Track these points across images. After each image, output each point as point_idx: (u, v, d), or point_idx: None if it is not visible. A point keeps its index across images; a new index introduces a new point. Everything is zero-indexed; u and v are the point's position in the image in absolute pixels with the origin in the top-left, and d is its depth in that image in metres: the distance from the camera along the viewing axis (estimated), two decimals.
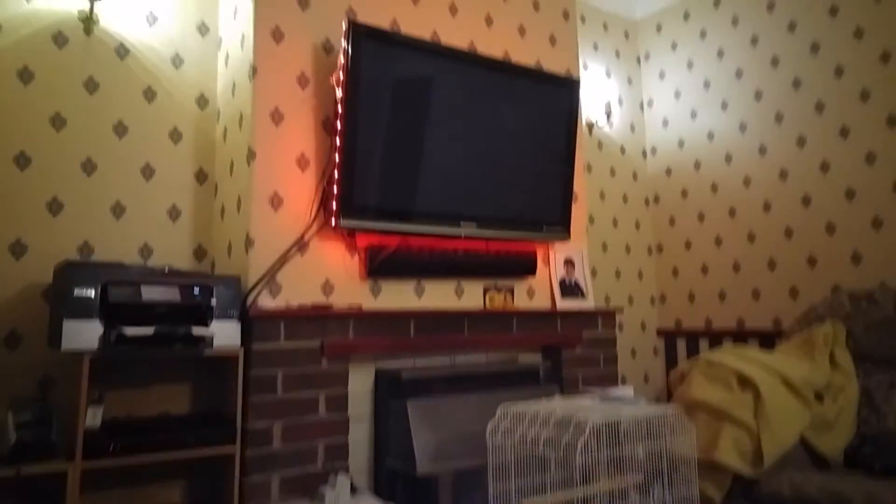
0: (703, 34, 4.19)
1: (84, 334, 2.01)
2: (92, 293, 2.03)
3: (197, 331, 2.16)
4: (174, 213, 2.74)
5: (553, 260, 3.33)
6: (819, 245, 3.57)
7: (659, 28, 4.48)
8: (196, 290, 2.23)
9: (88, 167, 2.56)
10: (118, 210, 2.60)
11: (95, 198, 2.56)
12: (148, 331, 2.06)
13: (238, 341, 2.30)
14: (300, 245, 2.56)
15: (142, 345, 2.07)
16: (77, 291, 2.01)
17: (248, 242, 2.45)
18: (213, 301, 2.25)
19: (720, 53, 4.08)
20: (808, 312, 3.16)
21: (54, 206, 2.47)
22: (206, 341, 2.19)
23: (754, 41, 3.90)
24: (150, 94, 2.72)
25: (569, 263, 3.40)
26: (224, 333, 2.26)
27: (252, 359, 2.29)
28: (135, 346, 2.06)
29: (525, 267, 3.16)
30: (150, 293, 2.09)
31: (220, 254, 2.72)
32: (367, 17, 2.78)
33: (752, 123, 3.91)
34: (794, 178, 3.70)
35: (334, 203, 2.52)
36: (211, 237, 2.81)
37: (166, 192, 2.72)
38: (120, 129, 2.64)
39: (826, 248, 3.54)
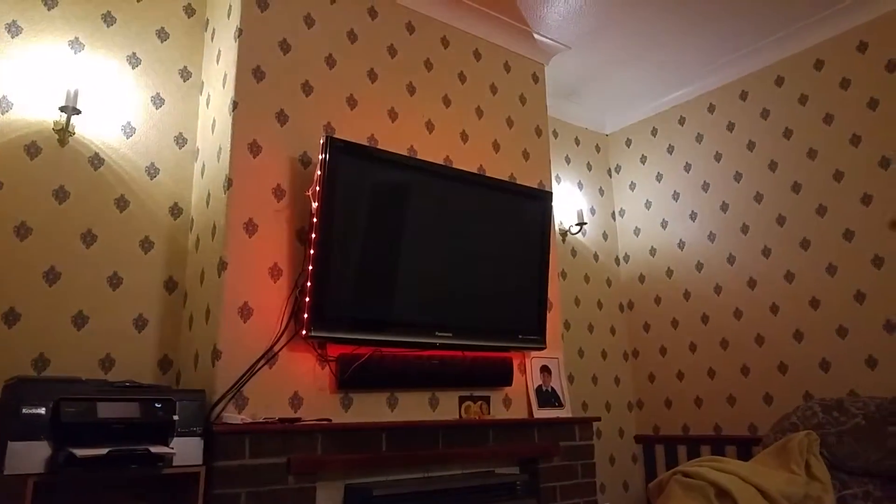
0: (670, 149, 4.39)
1: (30, 457, 1.88)
2: (42, 411, 1.93)
3: (156, 449, 2.05)
4: (140, 323, 2.67)
5: (529, 368, 3.29)
6: (789, 352, 3.60)
7: (629, 142, 4.69)
8: (157, 405, 2.13)
9: (51, 276, 2.50)
10: (80, 320, 2.53)
11: (56, 308, 2.49)
12: (101, 451, 1.93)
13: (200, 459, 2.17)
14: (269, 357, 2.49)
15: (94, 467, 1.94)
16: (26, 410, 1.90)
17: (216, 354, 2.38)
18: (176, 416, 2.14)
19: (687, 167, 4.26)
20: (782, 420, 3.13)
21: (10, 317, 2.39)
22: (166, 460, 2.07)
23: (718, 157, 4.09)
24: (122, 204, 2.72)
25: (545, 371, 3.35)
26: (185, 451, 2.14)
27: (215, 477, 2.16)
28: (86, 469, 1.93)
29: (501, 376, 3.11)
30: (107, 410, 1.99)
31: (187, 365, 2.63)
32: (345, 132, 2.86)
33: (720, 233, 4.03)
34: (762, 286, 3.77)
35: (306, 313, 2.49)
36: (178, 348, 2.73)
37: (133, 302, 2.66)
38: (88, 238, 2.61)
39: (795, 354, 3.57)
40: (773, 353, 3.67)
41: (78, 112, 2.58)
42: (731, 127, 4.04)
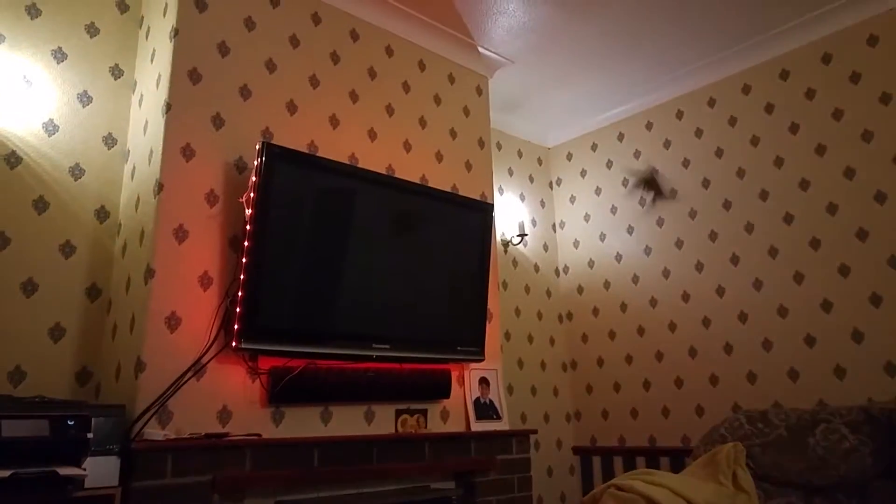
0: (609, 164, 4.48)
1: None
2: None
3: (65, 471, 1.92)
4: (56, 333, 2.51)
5: (468, 380, 3.27)
6: (719, 364, 3.72)
7: (570, 156, 4.76)
8: (70, 423, 2.01)
9: None
10: None
11: None
12: (3, 474, 1.80)
13: (116, 480, 2.06)
14: (197, 369, 2.39)
15: None
16: None
17: (139, 366, 2.27)
18: (90, 434, 2.02)
19: (625, 182, 4.36)
20: (711, 432, 3.21)
21: None
22: (76, 482, 1.95)
23: (655, 173, 4.19)
24: (41, 205, 2.56)
25: (484, 382, 3.35)
26: (100, 471, 2.02)
27: (132, 499, 2.05)
28: None
29: (439, 388, 3.09)
30: (12, 429, 1.86)
31: (107, 378, 2.50)
32: (284, 138, 2.79)
33: (655, 247, 4.12)
34: (694, 300, 3.88)
35: (236, 324, 2.40)
36: (98, 360, 2.59)
37: (49, 310, 2.51)
38: (0, 241, 2.45)
39: (726, 367, 3.68)
40: (705, 365, 3.78)
41: None
42: (667, 144, 4.15)
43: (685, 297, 3.93)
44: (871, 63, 3.33)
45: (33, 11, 2.67)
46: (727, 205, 3.80)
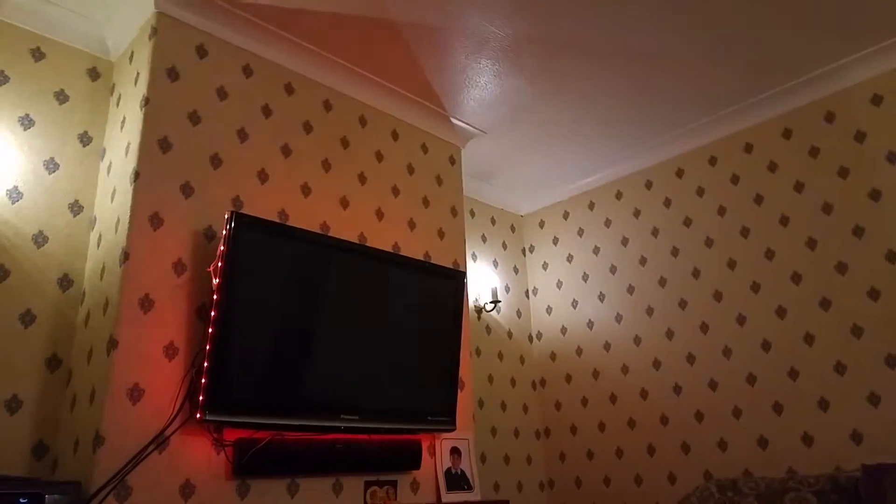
0: (580, 232, 4.57)
1: None
2: None
3: None
4: (14, 405, 2.43)
5: (439, 450, 3.21)
6: (691, 432, 3.71)
7: (542, 224, 4.84)
8: (23, 501, 1.92)
9: None
10: None
11: None
12: None
13: None
14: (159, 441, 2.32)
15: None
16: None
17: (98, 440, 2.19)
18: None
19: (596, 250, 4.43)
20: (682, 501, 3.17)
21: None
22: None
23: (624, 242, 4.28)
24: (1, 273, 2.52)
25: (455, 452, 3.29)
26: None
27: None
28: None
29: (410, 459, 3.01)
30: None
31: (65, 452, 2.41)
32: (254, 207, 2.81)
33: (626, 314, 4.16)
34: (665, 367, 3.90)
35: (201, 395, 2.35)
36: (56, 433, 2.50)
37: (6, 381, 2.43)
38: None
39: (697, 435, 3.68)
40: (677, 432, 3.77)
41: None
42: (637, 213, 4.26)
43: (656, 364, 3.95)
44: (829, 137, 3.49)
45: (1, 78, 2.70)
46: (696, 273, 3.87)
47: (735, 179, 3.81)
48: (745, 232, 3.71)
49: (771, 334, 3.49)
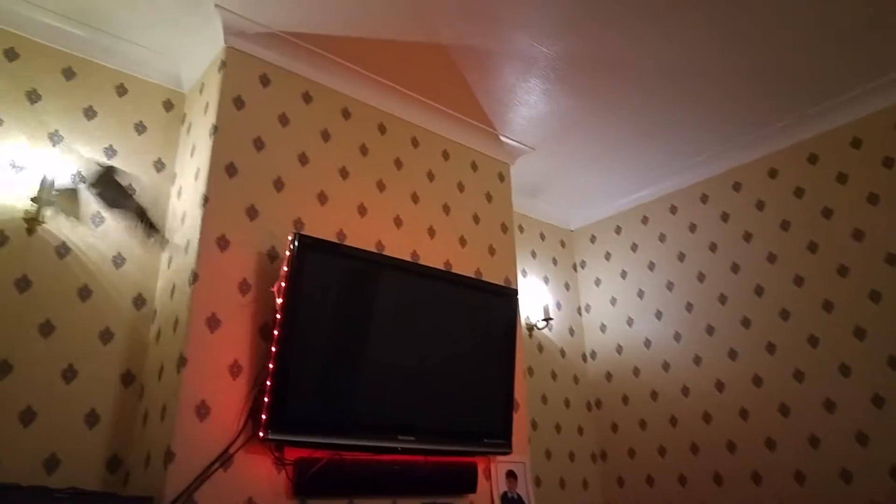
0: (634, 247, 4.49)
1: None
2: None
3: None
4: (92, 419, 2.55)
5: (495, 473, 3.19)
6: (762, 461, 3.52)
7: (593, 239, 4.79)
8: None
9: (4, 369, 2.41)
10: (27, 416, 2.41)
11: (3, 403, 2.37)
12: None
13: None
14: (224, 459, 2.38)
15: None
16: None
17: (168, 456, 2.27)
18: None
19: (651, 265, 4.35)
20: None
21: None
22: None
23: (681, 257, 4.19)
24: (85, 293, 2.67)
25: (511, 476, 3.25)
26: None
27: None
28: None
29: (465, 483, 2.99)
30: None
31: (137, 466, 2.50)
32: (314, 228, 2.89)
33: (685, 333, 4.05)
34: (729, 389, 3.76)
35: (264, 414, 2.40)
36: (130, 447, 2.60)
37: (86, 396, 2.56)
38: (46, 329, 2.54)
39: (769, 464, 3.49)
40: (746, 461, 3.59)
41: (52, 203, 2.60)
42: (692, 228, 4.17)
43: (719, 385, 3.82)
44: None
45: (90, 113, 2.90)
46: (759, 290, 3.74)
47: (799, 192, 3.67)
48: (812, 247, 3.56)
49: (847, 355, 3.31)
